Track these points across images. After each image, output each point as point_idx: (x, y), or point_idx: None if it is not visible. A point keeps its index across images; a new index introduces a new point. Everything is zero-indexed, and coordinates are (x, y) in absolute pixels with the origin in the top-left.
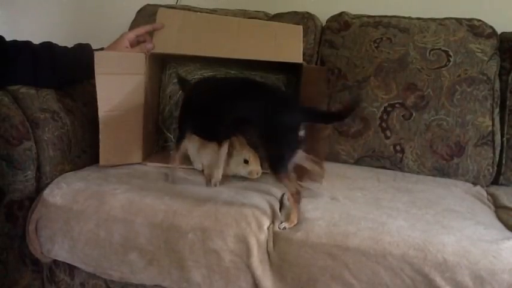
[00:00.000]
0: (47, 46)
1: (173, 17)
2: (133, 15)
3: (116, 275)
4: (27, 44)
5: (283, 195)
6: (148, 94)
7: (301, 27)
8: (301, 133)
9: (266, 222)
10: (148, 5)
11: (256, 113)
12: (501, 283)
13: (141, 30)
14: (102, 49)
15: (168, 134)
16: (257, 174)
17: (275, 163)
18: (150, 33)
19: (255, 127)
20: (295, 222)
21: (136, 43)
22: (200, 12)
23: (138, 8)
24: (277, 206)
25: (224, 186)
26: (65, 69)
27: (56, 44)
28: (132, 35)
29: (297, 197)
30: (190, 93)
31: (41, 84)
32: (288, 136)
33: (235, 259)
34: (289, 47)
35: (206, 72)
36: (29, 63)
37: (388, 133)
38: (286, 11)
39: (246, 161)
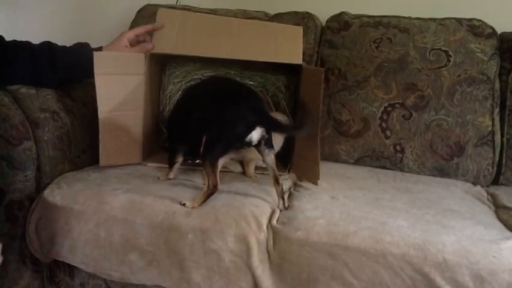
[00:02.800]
0: (47, 46)
1: (173, 17)
2: (133, 15)
3: (116, 275)
4: (27, 44)
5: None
6: (148, 94)
7: (301, 28)
8: (256, 136)
9: (266, 222)
10: (148, 5)
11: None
12: (501, 283)
13: (141, 29)
14: (100, 48)
15: None
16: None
17: (206, 150)
18: (150, 33)
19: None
20: (195, 206)
21: (136, 43)
22: (200, 12)
23: (138, 8)
24: (276, 206)
25: (224, 186)
26: (64, 69)
27: (55, 44)
28: (131, 34)
29: (211, 189)
30: (171, 117)
31: (40, 84)
32: (228, 130)
33: (235, 259)
34: (289, 48)
35: (206, 73)
36: (29, 63)
37: (388, 133)
38: (286, 11)
39: None
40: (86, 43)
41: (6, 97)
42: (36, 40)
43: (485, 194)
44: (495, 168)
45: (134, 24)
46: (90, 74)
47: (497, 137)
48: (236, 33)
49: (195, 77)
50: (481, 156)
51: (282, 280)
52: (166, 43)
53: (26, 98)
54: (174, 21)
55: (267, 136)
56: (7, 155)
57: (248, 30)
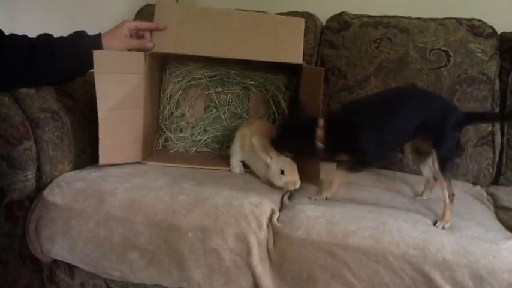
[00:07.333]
0: (44, 37)
1: (172, 12)
2: (133, 15)
3: (116, 274)
4: (25, 39)
5: (283, 195)
6: (148, 93)
7: (303, 20)
8: None
9: (266, 221)
10: (148, 5)
11: None
12: (501, 283)
13: (143, 24)
14: (99, 35)
15: (168, 133)
16: (293, 185)
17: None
18: (150, 32)
19: None
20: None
21: (135, 36)
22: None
23: (138, 8)
24: (277, 205)
25: (224, 185)
26: (64, 60)
27: (52, 35)
28: (133, 25)
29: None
30: None
31: (41, 80)
32: None
33: (236, 258)
34: (289, 45)
35: (207, 72)
36: (28, 58)
37: None
38: (286, 11)
39: (282, 172)
40: (83, 31)
41: (6, 97)
42: None
43: (485, 194)
44: (495, 168)
45: None
46: (91, 65)
47: (497, 137)
48: (236, 30)
49: (196, 76)
50: (481, 156)
51: (282, 279)
52: (166, 41)
53: (26, 98)
54: (173, 17)
55: None
56: (7, 155)
57: (248, 25)
